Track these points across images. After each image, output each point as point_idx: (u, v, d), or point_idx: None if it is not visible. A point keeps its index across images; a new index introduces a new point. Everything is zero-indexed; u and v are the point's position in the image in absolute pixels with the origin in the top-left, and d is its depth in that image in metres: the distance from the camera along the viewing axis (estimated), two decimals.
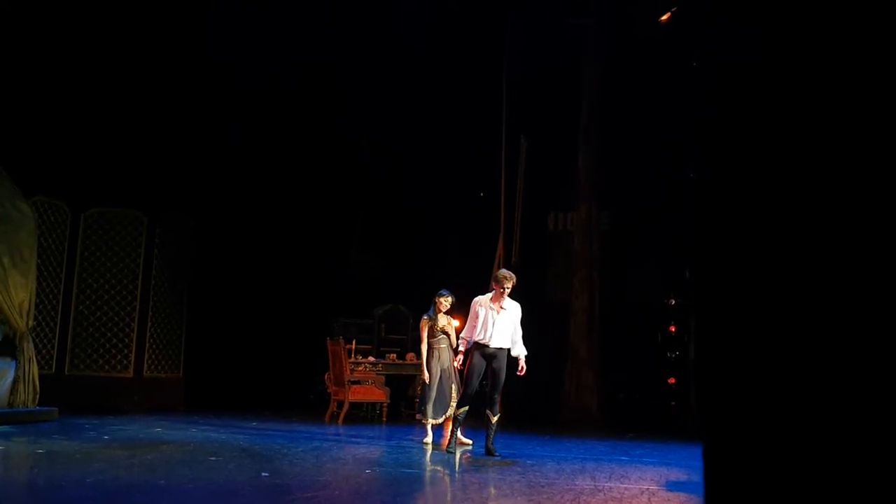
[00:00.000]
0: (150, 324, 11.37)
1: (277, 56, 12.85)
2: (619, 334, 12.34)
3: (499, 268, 12.85)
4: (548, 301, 12.88)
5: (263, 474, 5.71)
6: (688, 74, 11.29)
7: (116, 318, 11.17)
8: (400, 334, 13.20)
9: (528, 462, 7.11)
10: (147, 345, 11.32)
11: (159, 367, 11.48)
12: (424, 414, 8.50)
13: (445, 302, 8.60)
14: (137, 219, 11.42)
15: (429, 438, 8.31)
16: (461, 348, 7.75)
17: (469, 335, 7.59)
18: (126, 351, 11.17)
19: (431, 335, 8.56)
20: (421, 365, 8.70)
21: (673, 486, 5.95)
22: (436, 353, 8.54)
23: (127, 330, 11.20)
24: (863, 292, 1.72)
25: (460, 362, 7.91)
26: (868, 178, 1.73)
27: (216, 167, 12.82)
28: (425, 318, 8.64)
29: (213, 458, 6.45)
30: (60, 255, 10.87)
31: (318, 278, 13.90)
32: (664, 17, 11.85)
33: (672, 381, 12.46)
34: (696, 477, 6.59)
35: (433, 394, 8.45)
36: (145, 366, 11.27)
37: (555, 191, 13.22)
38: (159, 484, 5.20)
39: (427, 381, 8.49)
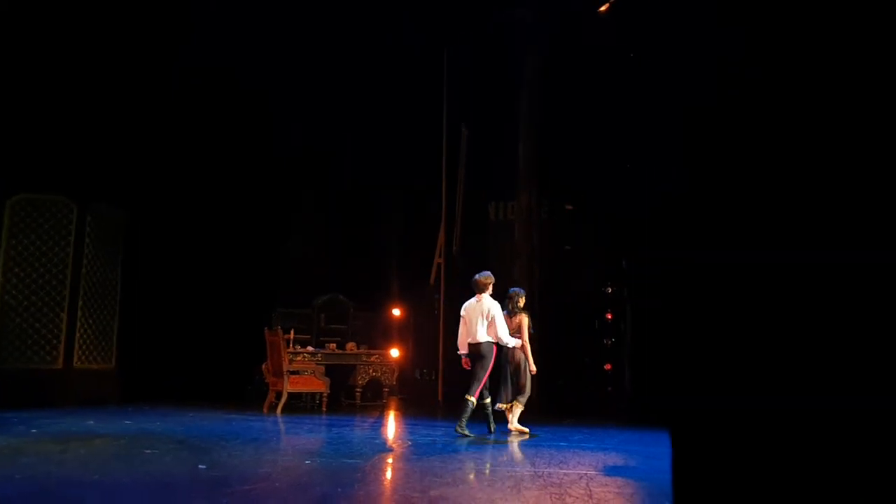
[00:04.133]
0: (80, 314, 11.02)
1: (216, 52, 12.63)
2: (558, 322, 12.53)
3: (440, 257, 12.94)
4: None
5: (201, 466, 5.61)
6: (626, 64, 11.47)
7: (45, 309, 10.79)
8: (340, 324, 13.13)
9: (469, 449, 7.16)
10: (77, 335, 10.97)
11: (91, 359, 11.15)
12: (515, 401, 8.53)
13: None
14: (67, 206, 11.05)
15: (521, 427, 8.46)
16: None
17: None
18: (55, 342, 10.80)
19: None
20: (529, 359, 8.56)
21: (610, 471, 6.07)
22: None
23: (56, 321, 10.83)
24: (822, 285, 1.76)
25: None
26: (808, 169, 1.78)
27: (151, 156, 12.52)
28: (525, 314, 8.72)
29: (149, 451, 6.32)
30: None
31: (255, 268, 13.72)
32: (603, 8, 11.98)
33: (608, 367, 12.73)
34: (633, 461, 6.74)
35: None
36: (76, 357, 10.93)
37: (496, 180, 13.30)
38: (93, 479, 5.07)
39: (531, 373, 8.54)
